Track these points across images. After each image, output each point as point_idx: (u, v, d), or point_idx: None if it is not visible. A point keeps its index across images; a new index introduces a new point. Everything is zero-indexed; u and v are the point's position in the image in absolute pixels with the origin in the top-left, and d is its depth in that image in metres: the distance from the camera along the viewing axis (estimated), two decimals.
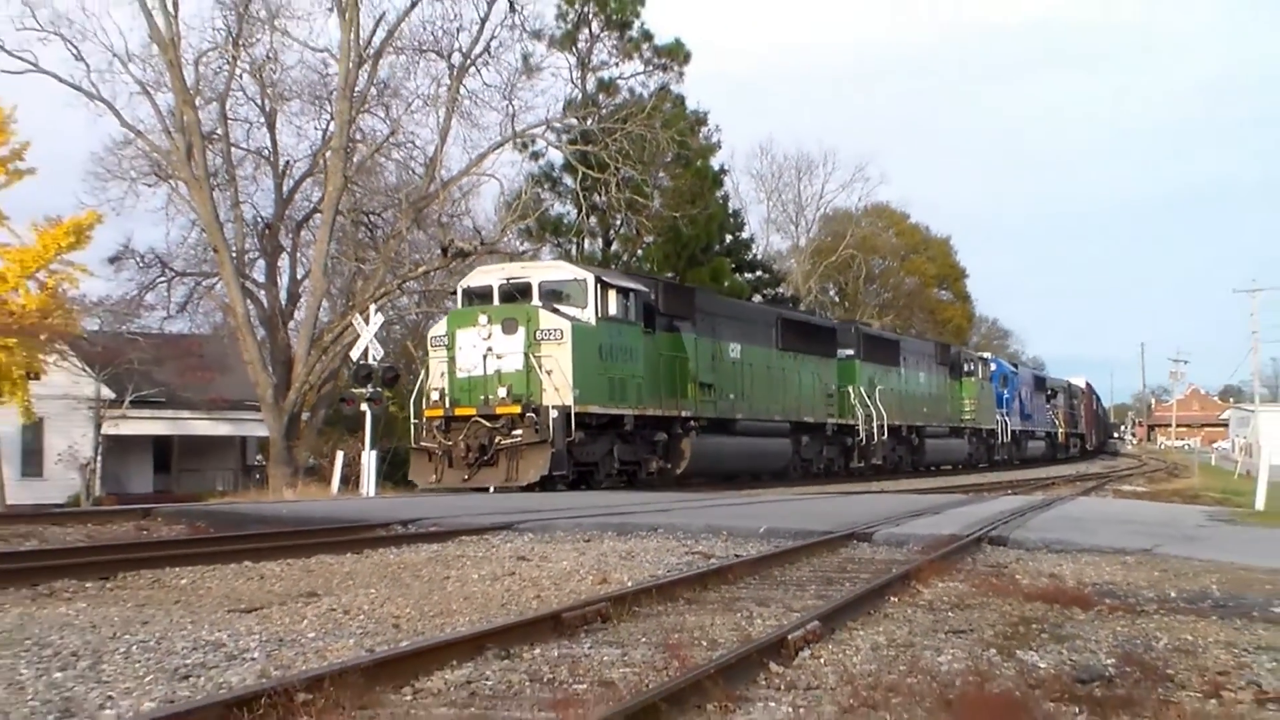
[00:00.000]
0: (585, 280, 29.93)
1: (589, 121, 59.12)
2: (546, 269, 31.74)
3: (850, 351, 45.29)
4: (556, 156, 63.91)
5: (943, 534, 17.05)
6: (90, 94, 49.95)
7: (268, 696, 6.43)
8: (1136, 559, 15.34)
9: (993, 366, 62.86)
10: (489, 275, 31.37)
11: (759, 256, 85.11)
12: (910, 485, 37.53)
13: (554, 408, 27.17)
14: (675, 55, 71.21)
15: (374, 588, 11.98)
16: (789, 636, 8.62)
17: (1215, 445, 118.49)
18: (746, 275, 77.95)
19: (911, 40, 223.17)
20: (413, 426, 30.47)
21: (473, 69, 54.76)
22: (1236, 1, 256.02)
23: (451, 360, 28.80)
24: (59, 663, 8.10)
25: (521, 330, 27.95)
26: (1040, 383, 76.52)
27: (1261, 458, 39.88)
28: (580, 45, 69.27)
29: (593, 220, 67.26)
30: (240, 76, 53.34)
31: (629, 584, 11.90)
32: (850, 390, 44.39)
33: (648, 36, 70.60)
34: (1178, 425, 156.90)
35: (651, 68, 70.94)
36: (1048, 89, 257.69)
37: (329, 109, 53.37)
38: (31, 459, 55.01)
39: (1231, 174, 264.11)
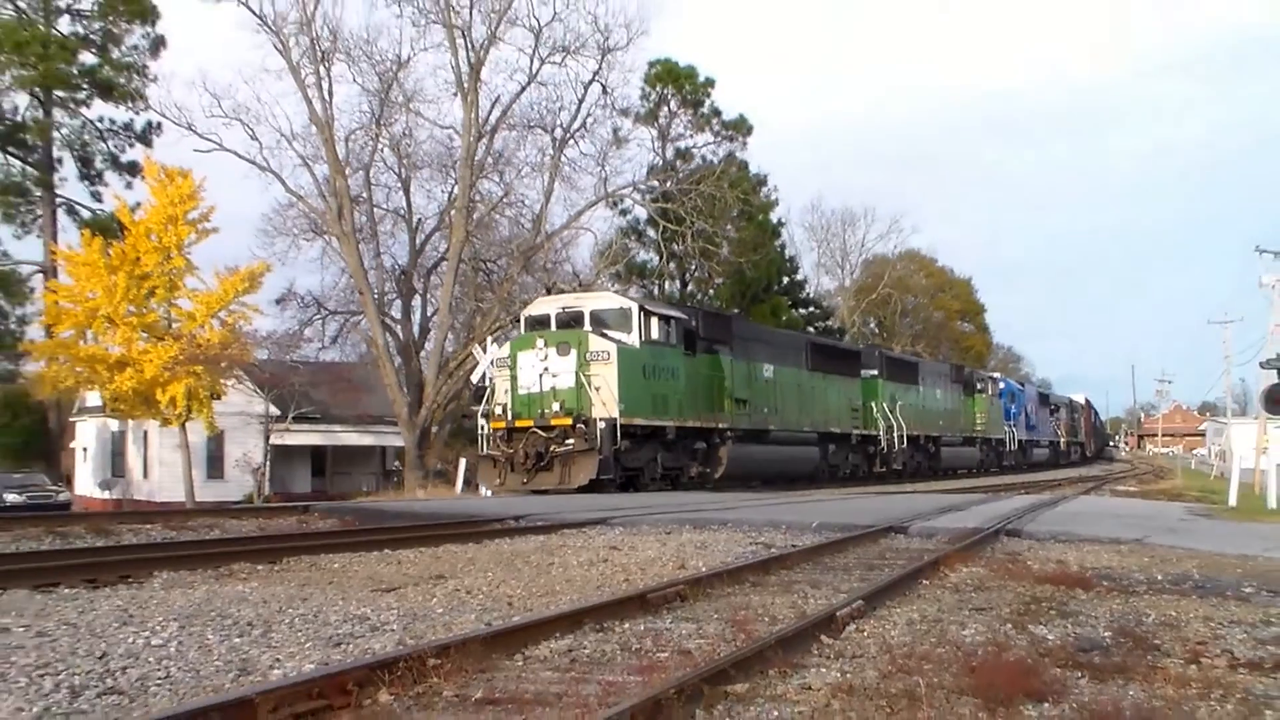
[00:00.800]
0: (630, 309, 29.46)
1: (668, 183, 59.49)
2: (596, 299, 31.03)
3: (874, 371, 44.44)
4: (641, 212, 64.37)
5: (967, 527, 17.02)
6: (262, 166, 50.89)
7: (404, 661, 6.48)
8: (1129, 547, 15.22)
9: (1001, 385, 62.06)
10: (547, 305, 30.96)
11: (811, 295, 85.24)
12: (937, 487, 37.09)
13: (601, 420, 26.74)
14: (739, 128, 71.41)
15: (491, 572, 12.02)
16: (838, 613, 8.61)
17: (1195, 452, 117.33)
18: (800, 311, 77.90)
19: (938, 108, 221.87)
20: (480, 437, 30.18)
21: (571, 141, 55.28)
22: (1182, 83, 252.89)
23: (514, 379, 28.25)
24: (237, 630, 8.20)
25: (573, 352, 27.50)
26: (1045, 399, 75.52)
27: (1233, 463, 39.63)
28: (660, 120, 69.47)
29: (672, 265, 67.65)
30: (381, 150, 53.87)
31: (703, 569, 11.88)
32: (873, 405, 43.53)
33: (716, 113, 70.83)
34: (1163, 435, 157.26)
35: (720, 138, 71.13)
36: (1052, 147, 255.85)
37: (453, 175, 53.85)
38: (215, 464, 55.63)
39: (1203, 222, 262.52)
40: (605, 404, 26.86)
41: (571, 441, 26.33)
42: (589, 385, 26.91)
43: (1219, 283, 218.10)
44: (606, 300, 30.60)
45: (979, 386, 57.12)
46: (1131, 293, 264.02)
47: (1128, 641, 8.24)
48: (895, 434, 43.85)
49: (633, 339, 28.46)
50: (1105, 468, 76.68)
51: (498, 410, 28.39)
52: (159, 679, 6.65)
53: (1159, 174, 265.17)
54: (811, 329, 69.78)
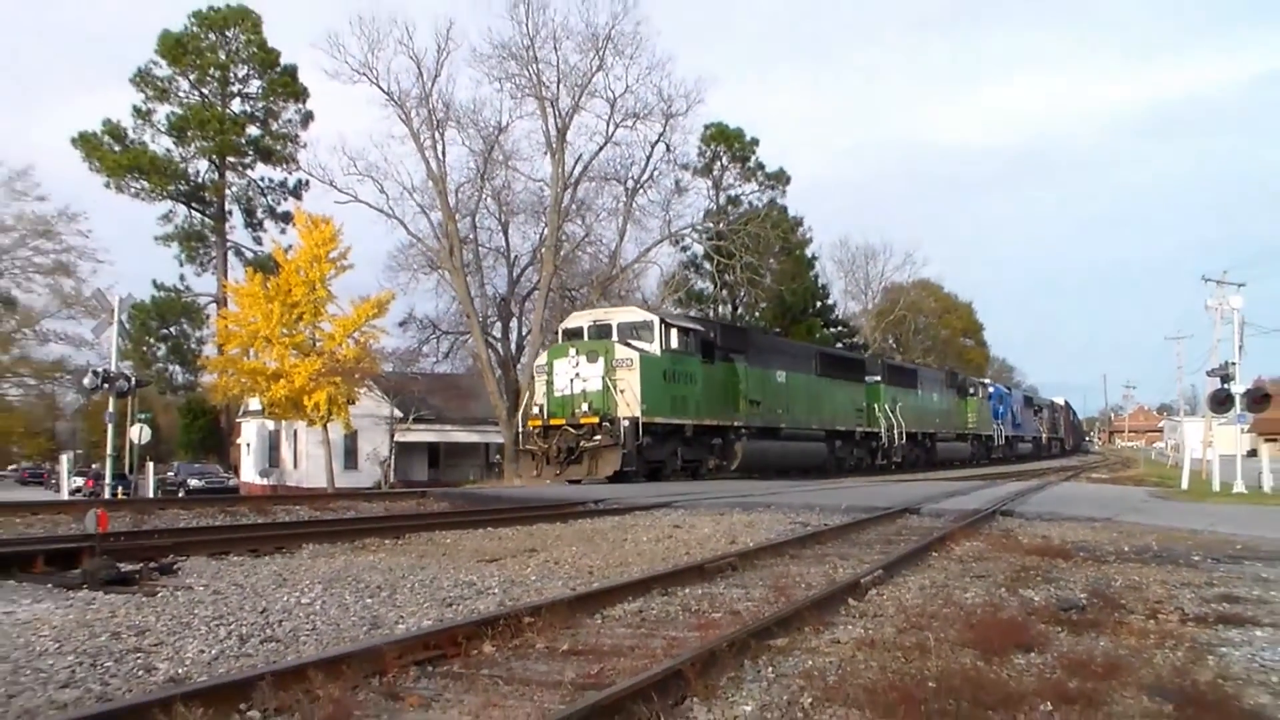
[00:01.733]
0: (652, 321, 28.33)
1: (721, 224, 59.67)
2: (624, 313, 29.87)
3: (877, 377, 42.92)
4: (699, 249, 64.50)
5: (969, 508, 16.95)
6: (388, 214, 51.20)
7: (504, 619, 6.49)
8: (1101, 524, 15.11)
9: (991, 389, 60.92)
10: (581, 318, 30.11)
11: (839, 317, 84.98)
12: (940, 476, 36.51)
13: (625, 419, 25.74)
14: (780, 179, 71.62)
15: (575, 546, 12.03)
16: (861, 580, 8.58)
17: (1155, 445, 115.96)
18: (830, 330, 77.80)
19: (945, 160, 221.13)
20: (520, 434, 29.18)
21: (641, 190, 55.37)
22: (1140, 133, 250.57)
23: (550, 383, 27.23)
24: (369, 592, 8.25)
25: (601, 359, 26.51)
26: (1029, 401, 74.25)
27: (1185, 454, 39.54)
28: (714, 172, 69.69)
29: (724, 292, 68.08)
30: (485, 199, 54.07)
31: (751, 544, 11.84)
32: (876, 406, 41.99)
33: (761, 166, 70.99)
34: (1129, 431, 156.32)
35: (763, 187, 71.30)
36: (1041, 190, 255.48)
37: (544, 220, 53.94)
38: (350, 457, 56.04)
39: (1161, 255, 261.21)
40: (629, 405, 26.00)
41: (599, 438, 25.61)
42: (615, 388, 26.10)
43: (1174, 305, 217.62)
44: (632, 314, 29.63)
45: (971, 390, 55.97)
46: (1104, 314, 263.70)
47: (1099, 602, 8.21)
48: (895, 432, 42.64)
49: (654, 348, 27.50)
50: (1082, 459, 75.92)
51: (535, 410, 27.66)
52: (307, 630, 6.70)
53: (1126, 214, 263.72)
54: (839, 344, 69.49)
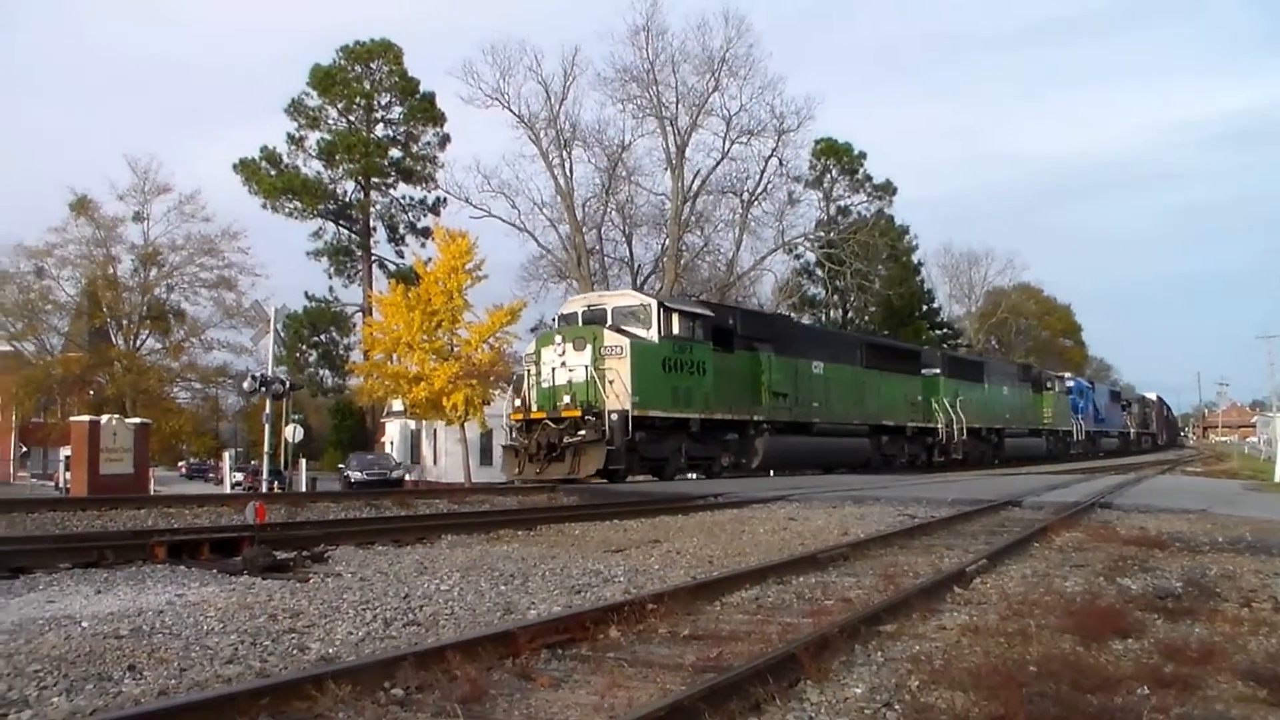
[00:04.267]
0: (649, 305, 24.44)
1: (831, 233, 59.75)
2: (619, 297, 25.97)
3: (936, 370, 38.85)
4: (811, 256, 64.62)
5: (1068, 501, 16.63)
6: (520, 228, 52.16)
7: (629, 606, 6.52)
8: (1196, 516, 14.68)
9: (1070, 383, 56.61)
10: (576, 304, 26.30)
11: (944, 319, 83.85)
12: (1039, 470, 35.49)
13: (614, 412, 22.14)
14: (887, 190, 70.88)
15: (695, 537, 12.03)
16: (967, 569, 8.47)
17: (1247, 440, 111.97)
18: (936, 332, 76.76)
19: (1048, 166, 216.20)
20: (503, 429, 25.67)
21: (755, 202, 55.60)
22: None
23: (538, 374, 23.79)
24: (503, 580, 8.35)
25: (589, 347, 22.95)
26: (1115, 395, 69.87)
27: (1277, 448, 38.05)
28: (825, 184, 69.20)
29: (835, 298, 67.47)
30: (610, 213, 54.52)
31: (861, 535, 11.72)
32: (933, 400, 37.91)
33: (868, 178, 70.38)
34: (1223, 427, 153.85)
35: (871, 198, 70.56)
36: (1130, 199, 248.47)
37: (665, 231, 54.26)
38: (485, 454, 56.55)
39: (1254, 254, 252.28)
40: (619, 396, 22.43)
41: (583, 433, 22.18)
42: (603, 379, 22.60)
43: (1266, 305, 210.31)
44: (627, 298, 25.78)
45: (1047, 384, 51.89)
46: (1198, 314, 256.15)
47: (1195, 590, 8.03)
48: (956, 427, 38.54)
49: (651, 334, 23.81)
50: (1178, 454, 73.69)
51: (516, 403, 24.44)
52: (446, 615, 6.81)
53: (1218, 218, 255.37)
54: (945, 346, 68.24)
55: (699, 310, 26.17)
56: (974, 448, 40.78)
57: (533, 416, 23.16)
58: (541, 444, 22.48)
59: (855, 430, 32.33)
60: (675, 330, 24.41)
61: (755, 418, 27.00)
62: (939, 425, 37.76)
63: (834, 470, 31.05)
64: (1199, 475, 35.37)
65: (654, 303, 24.52)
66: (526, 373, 24.82)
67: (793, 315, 54.60)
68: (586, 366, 22.74)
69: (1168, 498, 17.86)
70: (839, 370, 31.94)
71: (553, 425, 22.59)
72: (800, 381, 29.52)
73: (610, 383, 22.52)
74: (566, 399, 22.81)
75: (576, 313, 25.15)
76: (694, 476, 25.67)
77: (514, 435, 23.67)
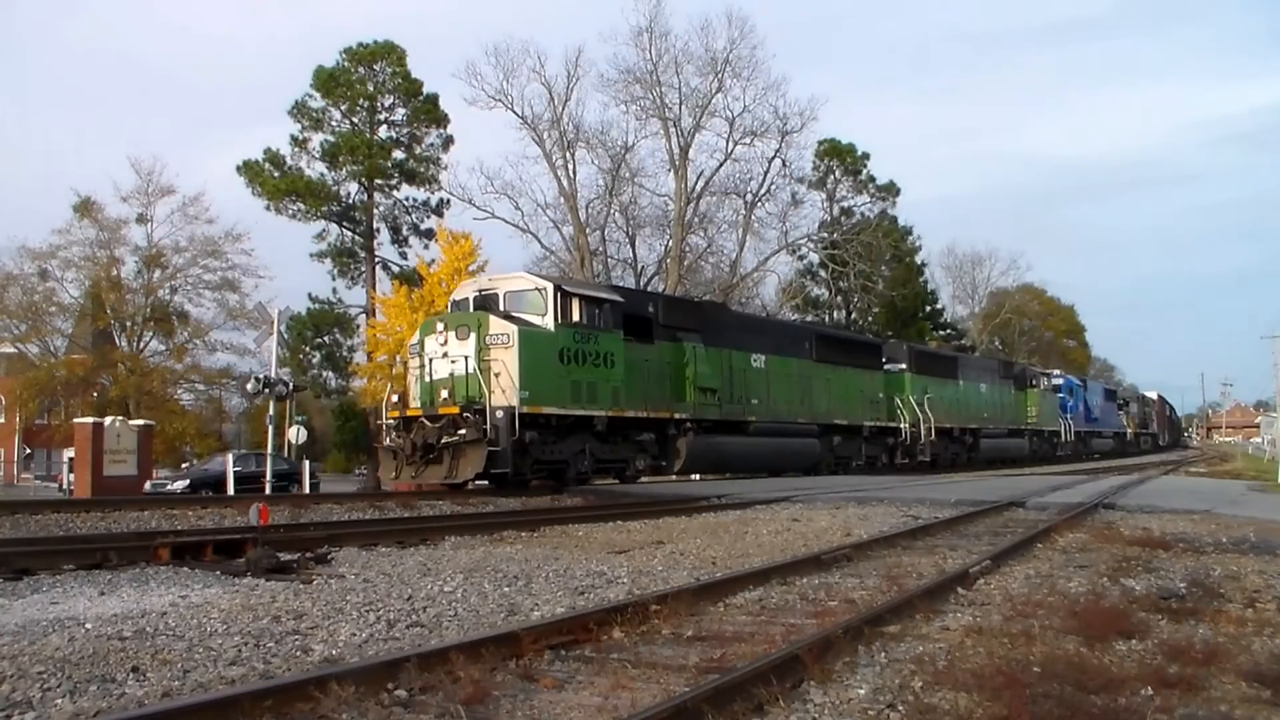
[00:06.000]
0: (545, 289, 21.37)
1: (835, 234, 59.54)
2: (511, 280, 22.56)
3: (902, 365, 35.91)
4: (814, 257, 64.26)
5: (1072, 502, 16.69)
6: (523, 229, 51.99)
7: (632, 606, 6.53)
8: (1200, 516, 14.76)
9: (1058, 381, 54.01)
10: (467, 288, 23.08)
11: (947, 320, 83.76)
12: (1047, 470, 35.38)
13: (499, 408, 19.24)
14: (890, 191, 70.73)
15: (699, 538, 12.04)
16: (970, 570, 8.48)
17: (1251, 441, 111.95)
18: (939, 333, 76.70)
19: (1052, 167, 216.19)
20: (383, 427, 22.47)
21: (759, 203, 55.34)
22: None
23: (421, 366, 20.74)
24: (506, 581, 8.36)
25: (473, 336, 19.98)
26: (1111, 394, 67.47)
27: None
28: (828, 185, 69.00)
29: (839, 299, 67.53)
30: (613, 214, 54.35)
31: (865, 536, 11.72)
32: (897, 398, 34.77)
33: (872, 179, 70.16)
34: (1226, 427, 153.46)
35: (875, 199, 70.34)
36: (1136, 200, 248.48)
37: (668, 232, 54.16)
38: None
39: (1260, 256, 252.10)
40: (505, 391, 19.59)
41: (463, 431, 19.31)
42: (488, 371, 19.80)
43: (1271, 306, 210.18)
44: (520, 281, 22.43)
45: (1031, 382, 49.31)
46: (1203, 315, 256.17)
47: (1198, 591, 8.06)
48: (924, 427, 35.40)
49: (546, 321, 20.87)
50: (1181, 454, 73.56)
51: (394, 399, 21.42)
52: (450, 616, 6.82)
53: (1223, 219, 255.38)
54: (945, 345, 68.21)
55: (606, 295, 23.02)
56: (944, 449, 38.00)
57: (409, 414, 20.41)
58: (417, 444, 19.68)
59: (802, 430, 29.43)
60: (576, 317, 21.37)
61: (677, 415, 24.02)
62: (902, 425, 34.90)
63: (782, 474, 28.74)
64: (1203, 476, 35.40)
65: (549, 286, 21.63)
66: (409, 365, 22.11)
67: (796, 316, 54.64)
68: (468, 358, 19.88)
69: (1171, 498, 17.89)
70: (784, 364, 29.13)
71: (428, 423, 19.77)
72: (735, 376, 26.75)
73: (496, 376, 19.75)
74: (445, 394, 20.04)
75: (468, 298, 22.30)
76: (616, 481, 23.61)
77: (392, 435, 20.89)
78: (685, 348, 24.48)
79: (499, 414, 19.27)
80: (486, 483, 20.78)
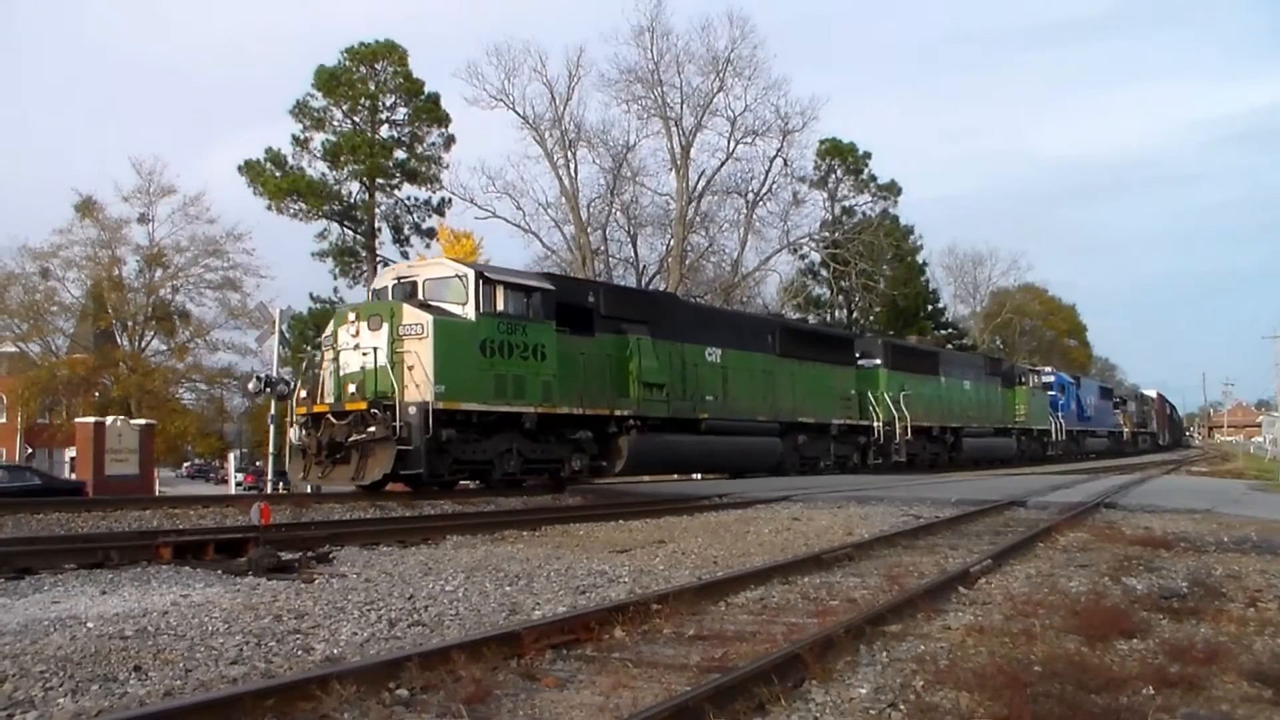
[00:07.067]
0: (466, 276, 19.70)
1: (836, 234, 59.65)
2: (431, 267, 21.10)
3: (876, 360, 34.18)
4: (816, 257, 64.32)
5: (1073, 501, 16.69)
6: (525, 229, 52.10)
7: (634, 605, 6.54)
8: (1202, 516, 14.76)
9: (1051, 378, 52.25)
10: (386, 276, 21.59)
11: (948, 319, 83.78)
12: (1047, 470, 35.09)
13: (412, 404, 17.89)
14: (891, 190, 70.68)
15: (700, 537, 12.04)
16: (971, 570, 8.49)
17: (1253, 440, 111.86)
18: (940, 332, 76.69)
19: (1047, 171, 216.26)
20: (294, 425, 20.69)
21: (760, 202, 55.44)
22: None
23: (334, 359, 19.27)
24: (508, 581, 8.36)
25: (385, 326, 18.59)
26: (1107, 392, 65.63)
27: None
28: (830, 185, 68.92)
29: (840, 298, 67.55)
30: (614, 213, 54.41)
31: (866, 535, 11.73)
32: (870, 394, 32.88)
33: (873, 178, 70.11)
34: (1228, 427, 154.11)
35: (876, 198, 70.30)
36: (1138, 199, 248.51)
37: (669, 231, 54.20)
38: None
39: (1261, 256, 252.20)
40: (419, 385, 18.18)
41: (372, 429, 17.82)
42: (401, 364, 18.36)
43: (1274, 305, 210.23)
44: (440, 268, 20.79)
45: (1020, 379, 47.52)
46: (1204, 315, 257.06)
47: (1200, 590, 8.05)
48: (899, 425, 33.50)
49: (466, 310, 19.32)
50: (1183, 453, 73.42)
51: (303, 394, 20.04)
52: (451, 615, 6.82)
53: (1224, 219, 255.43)
54: (949, 346, 68.11)
55: (535, 283, 21.30)
56: (922, 448, 36.23)
57: (316, 410, 18.85)
58: (323, 443, 18.31)
59: (762, 428, 27.63)
60: (500, 306, 19.87)
61: (619, 412, 22.23)
62: (875, 423, 33.02)
63: (742, 474, 27.23)
64: (1204, 475, 35.35)
65: (471, 273, 19.94)
66: (322, 357, 20.27)
67: (799, 315, 54.58)
68: (377, 349, 18.53)
69: (1173, 498, 17.89)
70: (743, 359, 27.34)
71: (334, 420, 18.34)
72: (686, 371, 24.95)
73: (410, 369, 18.31)
74: (353, 388, 18.65)
75: (387, 286, 20.83)
76: (550, 481, 21.63)
77: (302, 433, 19.35)
78: (629, 340, 22.86)
79: (411, 410, 17.96)
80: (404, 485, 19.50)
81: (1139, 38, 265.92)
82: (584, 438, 21.60)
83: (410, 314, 18.69)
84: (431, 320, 18.60)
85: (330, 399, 18.90)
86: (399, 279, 20.62)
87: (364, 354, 18.63)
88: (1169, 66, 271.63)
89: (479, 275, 19.79)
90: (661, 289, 50.90)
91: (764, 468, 27.90)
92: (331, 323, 20.31)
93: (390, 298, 19.97)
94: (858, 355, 34.06)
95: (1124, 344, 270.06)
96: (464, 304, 19.40)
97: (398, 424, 17.68)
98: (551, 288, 21.35)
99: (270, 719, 4.23)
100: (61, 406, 55.59)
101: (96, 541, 10.23)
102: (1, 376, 62.62)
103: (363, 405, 18.00)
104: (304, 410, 19.24)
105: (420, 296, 19.68)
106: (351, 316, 19.29)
